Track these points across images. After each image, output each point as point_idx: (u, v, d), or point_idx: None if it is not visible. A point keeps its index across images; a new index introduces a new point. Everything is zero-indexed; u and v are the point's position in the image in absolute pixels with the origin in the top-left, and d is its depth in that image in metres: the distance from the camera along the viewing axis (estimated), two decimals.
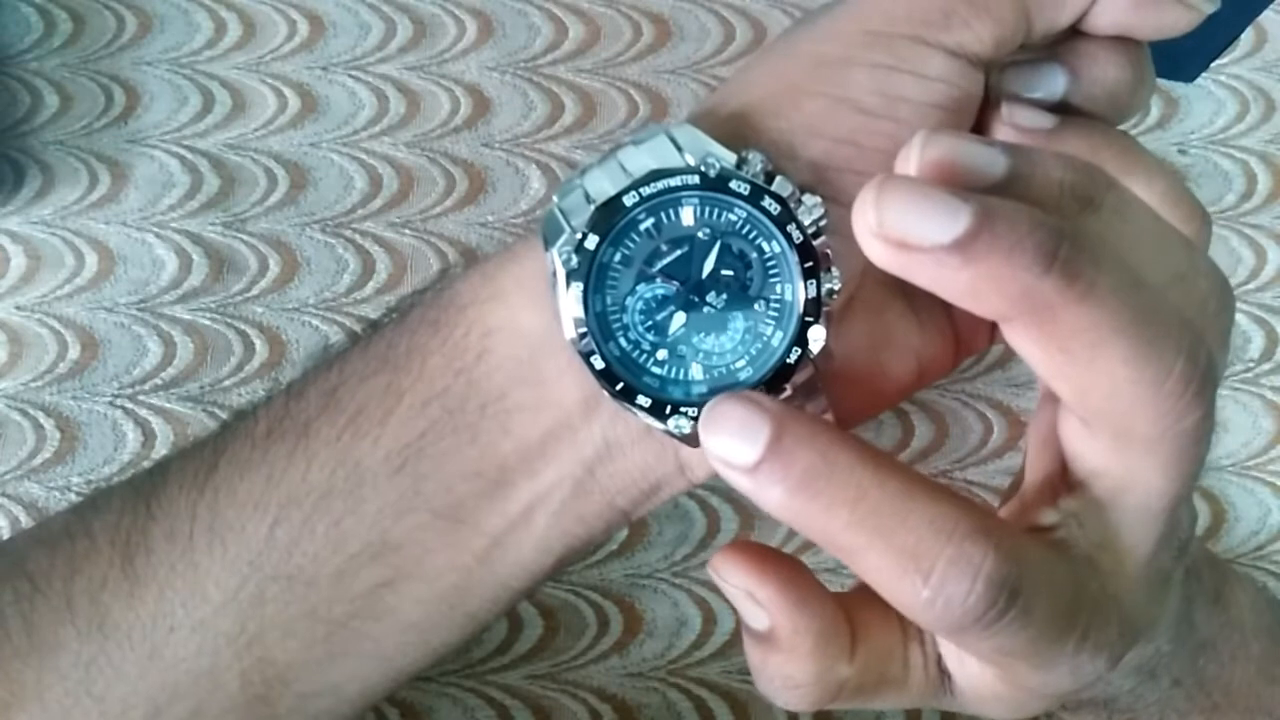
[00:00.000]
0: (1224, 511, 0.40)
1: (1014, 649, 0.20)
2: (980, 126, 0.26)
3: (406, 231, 0.42)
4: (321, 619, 0.24)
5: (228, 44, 0.44)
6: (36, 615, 0.25)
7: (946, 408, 0.40)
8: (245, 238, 0.41)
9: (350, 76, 0.43)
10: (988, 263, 0.17)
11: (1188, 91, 0.45)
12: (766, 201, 0.22)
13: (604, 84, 0.44)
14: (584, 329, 0.22)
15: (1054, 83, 0.25)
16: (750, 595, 0.22)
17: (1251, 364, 0.41)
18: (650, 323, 0.23)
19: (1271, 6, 0.40)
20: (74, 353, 0.40)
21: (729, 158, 0.22)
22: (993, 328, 0.26)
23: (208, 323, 0.40)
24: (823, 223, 0.22)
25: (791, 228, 0.22)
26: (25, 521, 0.38)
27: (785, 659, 0.22)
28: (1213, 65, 0.44)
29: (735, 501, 0.38)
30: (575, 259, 0.22)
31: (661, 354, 0.23)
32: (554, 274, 0.22)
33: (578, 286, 0.22)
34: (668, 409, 0.23)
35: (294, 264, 0.41)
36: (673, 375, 0.23)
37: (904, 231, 0.18)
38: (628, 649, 0.37)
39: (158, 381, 0.39)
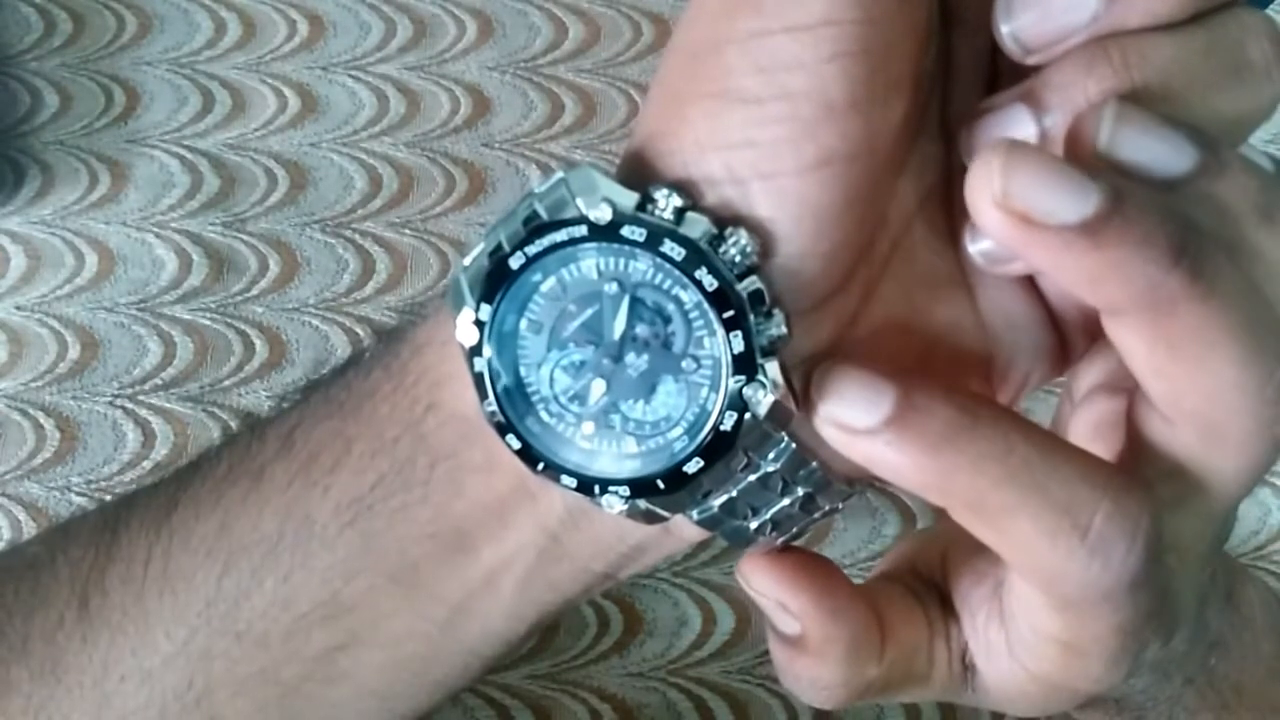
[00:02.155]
0: None
1: (1128, 626, 0.19)
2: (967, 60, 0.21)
3: (406, 231, 0.42)
4: (272, 680, 0.23)
5: (228, 44, 0.44)
6: None
7: None
8: (245, 238, 0.41)
9: (350, 76, 0.43)
10: (1116, 250, 0.16)
11: None
12: (667, 246, 0.19)
13: (604, 84, 0.44)
14: (492, 406, 0.20)
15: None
16: (782, 605, 0.21)
17: None
18: (571, 393, 0.20)
19: (1271, 6, 0.40)
20: (74, 353, 0.40)
21: (627, 199, 0.19)
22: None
23: (208, 323, 0.40)
24: (753, 259, 0.19)
25: (702, 273, 0.19)
26: (25, 521, 0.38)
27: (814, 663, 0.21)
28: None
29: None
30: (475, 332, 0.20)
31: (588, 427, 0.20)
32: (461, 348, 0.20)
33: (480, 361, 0.20)
34: (596, 488, 0.20)
35: (294, 264, 0.41)
36: (603, 449, 0.20)
37: (1030, 205, 0.16)
38: (628, 649, 0.37)
39: (158, 381, 0.39)
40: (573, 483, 0.20)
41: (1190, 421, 0.19)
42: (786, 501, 0.21)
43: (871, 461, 0.18)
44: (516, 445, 0.20)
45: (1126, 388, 0.21)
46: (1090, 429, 0.22)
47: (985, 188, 0.16)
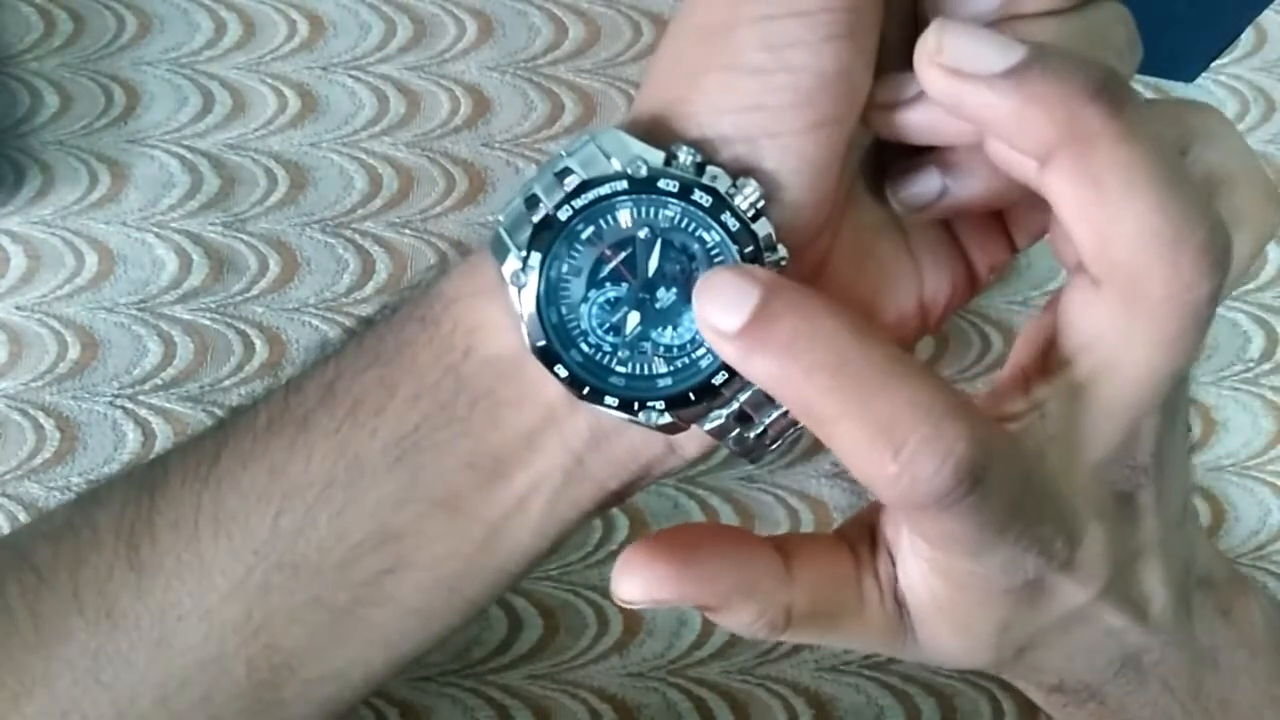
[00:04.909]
0: (1224, 511, 0.40)
1: (961, 534, 0.20)
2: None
3: (406, 231, 0.42)
4: (326, 606, 0.25)
5: (228, 44, 0.44)
6: (43, 606, 0.25)
7: None
8: (245, 238, 0.41)
9: (350, 76, 0.43)
10: (1038, 87, 0.19)
11: (1187, 91, 0.45)
12: (697, 195, 0.22)
13: (604, 84, 0.44)
14: (542, 341, 0.23)
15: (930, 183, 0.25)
16: (660, 602, 0.23)
17: (1251, 364, 0.41)
18: (607, 325, 0.23)
19: (1271, 6, 0.40)
20: (74, 353, 0.40)
21: (656, 157, 0.22)
22: (1009, 241, 0.27)
23: (208, 323, 0.40)
24: (760, 204, 0.22)
25: (726, 216, 0.22)
26: (25, 522, 0.38)
27: (727, 616, 0.23)
28: (1213, 65, 0.44)
29: (735, 501, 0.39)
30: (523, 277, 0.23)
31: (624, 354, 0.24)
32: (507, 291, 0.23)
33: (530, 302, 0.23)
34: (635, 405, 0.23)
35: (294, 264, 0.41)
36: (637, 372, 0.24)
37: (962, 58, 0.19)
38: (628, 649, 0.37)
39: (158, 381, 0.39)
40: (615, 402, 0.23)
41: (1114, 275, 0.20)
42: (777, 411, 0.24)
43: (735, 363, 0.21)
44: (564, 374, 0.23)
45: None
46: (1027, 337, 0.24)
47: (925, 52, 0.20)
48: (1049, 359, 0.22)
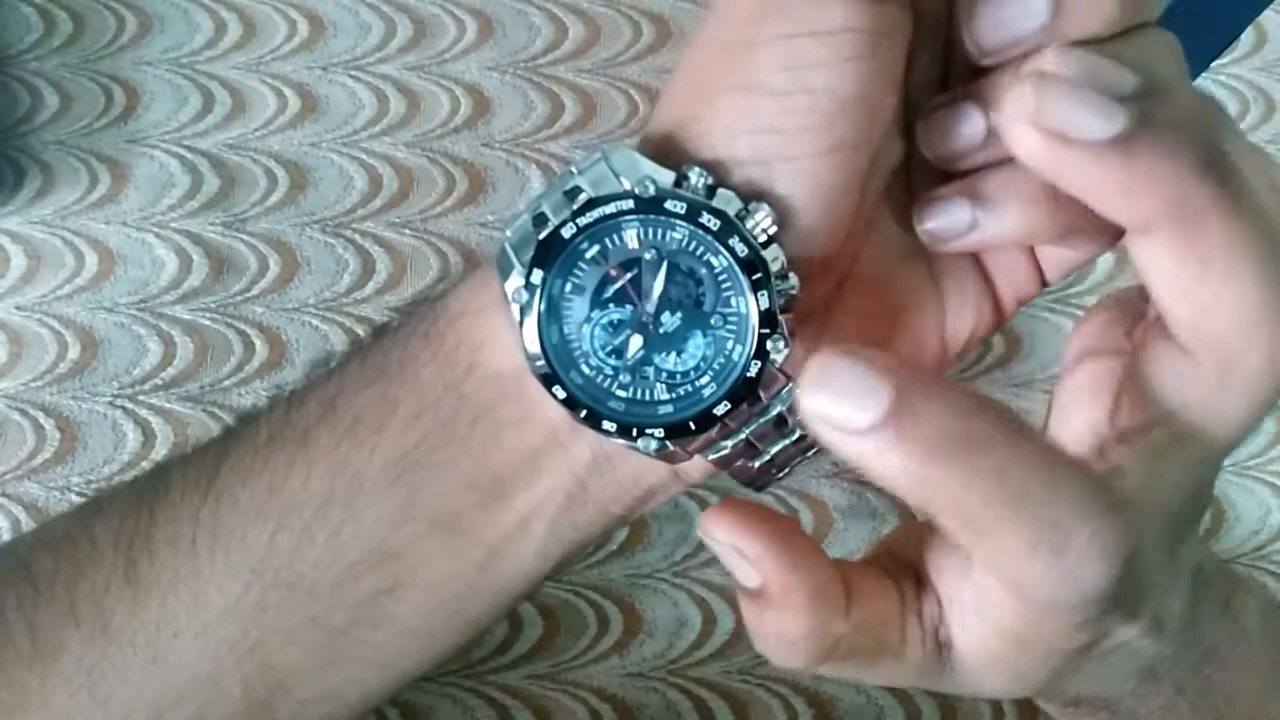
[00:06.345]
0: (1224, 511, 0.40)
1: (1092, 615, 0.20)
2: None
3: (406, 231, 0.42)
4: (322, 626, 0.24)
5: (228, 44, 0.44)
6: (40, 619, 0.25)
7: None
8: (245, 238, 0.41)
9: (350, 76, 0.43)
10: (1148, 161, 0.18)
11: None
12: (705, 218, 0.22)
13: (604, 84, 0.44)
14: (541, 360, 0.22)
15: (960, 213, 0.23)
16: (739, 552, 0.22)
17: None
18: (609, 348, 0.23)
19: (1271, 6, 0.40)
20: (74, 353, 0.40)
21: (666, 177, 0.22)
22: (1039, 275, 0.26)
23: (208, 323, 0.40)
24: (772, 230, 0.22)
25: (734, 241, 0.22)
26: (25, 521, 0.38)
27: (779, 615, 0.22)
28: (1213, 65, 0.44)
29: None
30: (525, 294, 0.22)
31: (625, 378, 0.23)
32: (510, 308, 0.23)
33: (530, 320, 0.22)
34: (634, 431, 0.23)
35: (294, 264, 0.41)
36: (638, 397, 0.23)
37: (1064, 122, 0.17)
38: (628, 649, 0.37)
39: (158, 381, 0.39)
40: (613, 427, 0.23)
41: (1210, 348, 0.19)
42: (785, 441, 0.24)
43: (858, 461, 0.18)
44: (562, 395, 0.22)
45: (1113, 349, 0.22)
46: (1073, 393, 0.23)
47: (1020, 110, 0.18)
48: (1121, 418, 0.21)
